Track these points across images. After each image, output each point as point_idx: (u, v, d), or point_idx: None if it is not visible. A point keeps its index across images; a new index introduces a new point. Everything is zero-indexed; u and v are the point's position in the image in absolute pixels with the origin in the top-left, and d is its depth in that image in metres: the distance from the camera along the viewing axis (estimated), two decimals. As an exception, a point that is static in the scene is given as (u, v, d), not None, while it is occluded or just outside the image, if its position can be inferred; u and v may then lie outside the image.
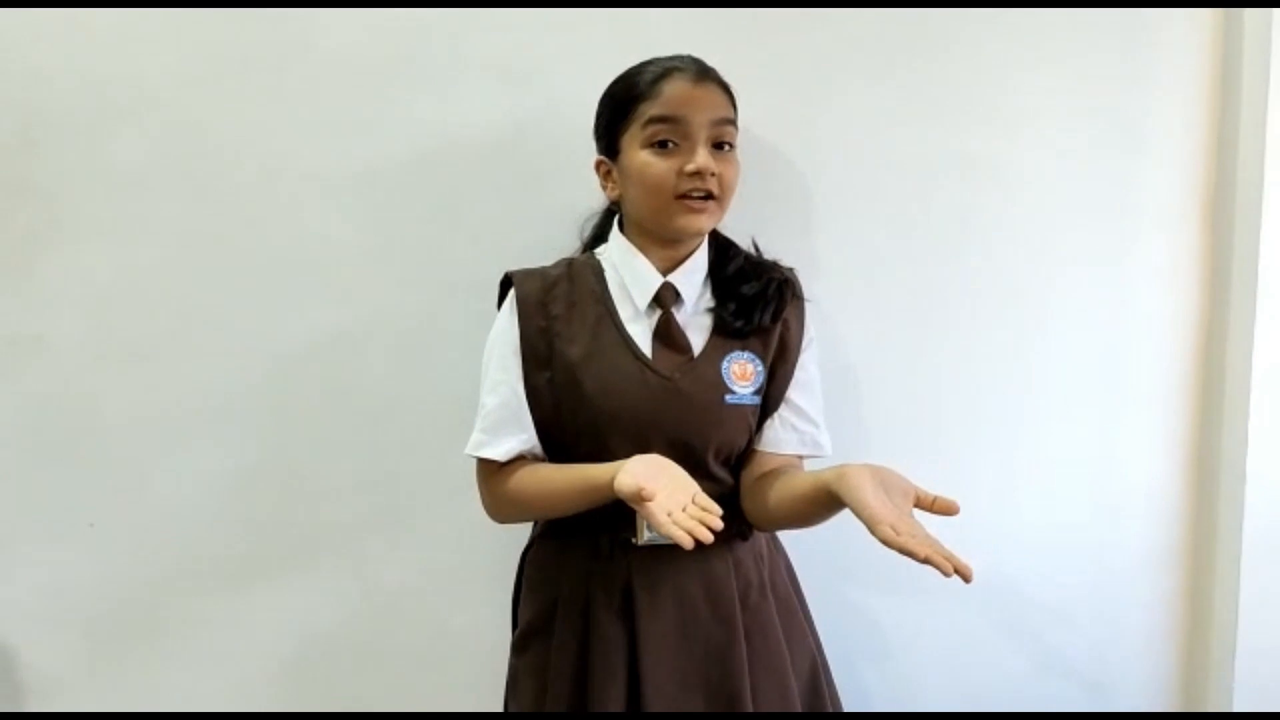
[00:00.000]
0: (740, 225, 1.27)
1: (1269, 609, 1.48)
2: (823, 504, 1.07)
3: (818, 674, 1.23)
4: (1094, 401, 1.51)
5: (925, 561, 0.92)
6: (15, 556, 1.43)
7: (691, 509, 0.98)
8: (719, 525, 0.97)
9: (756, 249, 1.28)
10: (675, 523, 0.96)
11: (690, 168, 1.11)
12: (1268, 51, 1.40)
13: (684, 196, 1.13)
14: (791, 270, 1.25)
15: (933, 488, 1.45)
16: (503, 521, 1.21)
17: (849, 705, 1.39)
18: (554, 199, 1.37)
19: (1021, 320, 1.49)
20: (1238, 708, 1.48)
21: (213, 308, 1.41)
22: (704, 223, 1.16)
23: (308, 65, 1.38)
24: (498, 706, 1.28)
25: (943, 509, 1.02)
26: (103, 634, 1.44)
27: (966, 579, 0.91)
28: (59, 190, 1.38)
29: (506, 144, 1.40)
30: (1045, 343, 1.49)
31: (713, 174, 1.12)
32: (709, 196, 1.13)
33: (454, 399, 1.35)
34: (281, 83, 1.38)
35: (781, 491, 1.14)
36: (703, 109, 1.12)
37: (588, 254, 1.25)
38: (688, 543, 0.94)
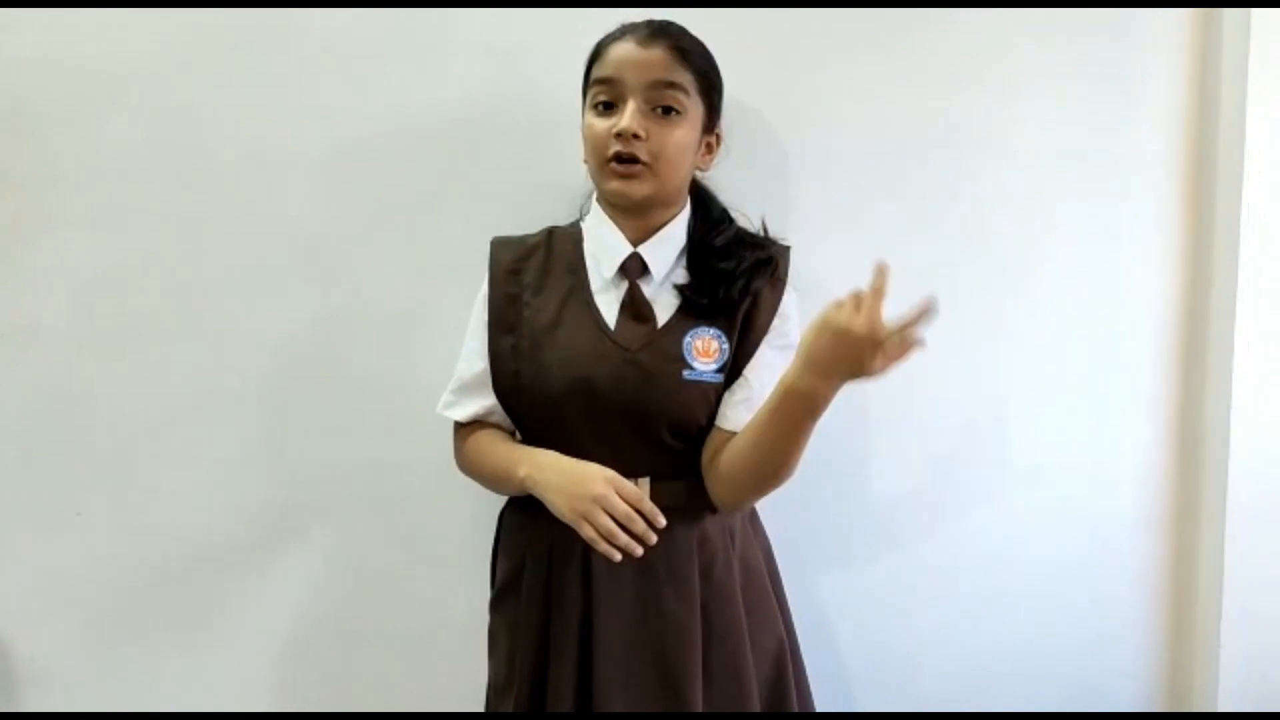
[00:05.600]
0: (726, 197, 1.27)
1: (1253, 574, 1.50)
2: (787, 407, 1.05)
3: (784, 657, 1.22)
4: (1080, 370, 1.52)
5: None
6: (6, 547, 1.42)
7: (636, 525, 1.07)
8: (652, 538, 1.08)
9: (765, 229, 1.26)
10: (616, 546, 1.06)
11: (615, 129, 1.10)
12: (1247, 34, 1.44)
13: (612, 160, 1.12)
14: (787, 250, 1.22)
15: (922, 460, 1.50)
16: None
17: (833, 684, 1.40)
18: (541, 177, 1.37)
19: (1008, 291, 1.50)
20: (1224, 672, 1.50)
21: (201, 294, 1.41)
22: (634, 189, 1.13)
23: (291, 48, 1.38)
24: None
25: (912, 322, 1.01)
26: (94, 623, 1.44)
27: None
28: (45, 179, 1.38)
29: (492, 122, 1.40)
30: (1032, 313, 1.51)
31: (637, 136, 1.10)
32: (636, 161, 1.11)
33: (441, 381, 1.36)
34: (266, 66, 1.38)
35: (742, 434, 1.12)
36: (640, 70, 1.11)
37: (572, 223, 1.25)
38: (628, 553, 1.07)
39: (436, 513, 1.45)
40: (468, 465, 1.25)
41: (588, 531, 1.07)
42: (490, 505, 1.31)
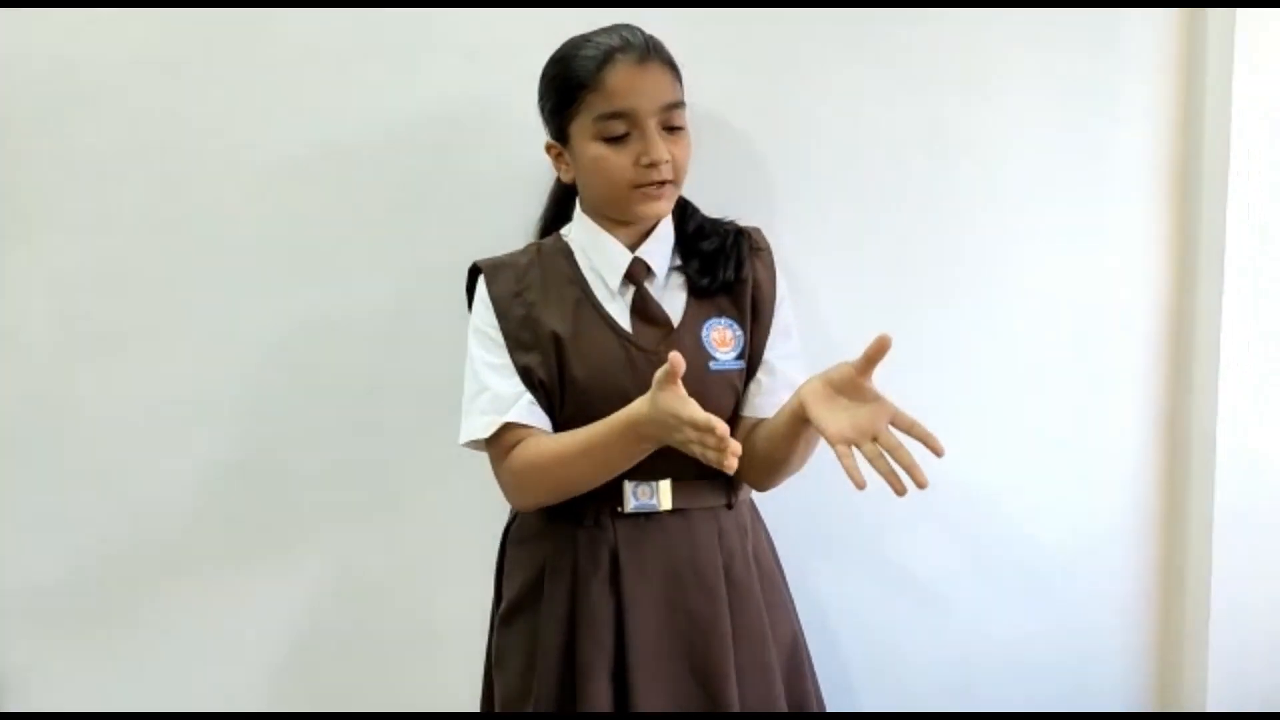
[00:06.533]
0: (713, 205, 1.27)
1: (1241, 574, 1.51)
2: (796, 432, 1.09)
3: (798, 646, 1.24)
4: (1067, 373, 1.53)
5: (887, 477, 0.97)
6: (-10, 555, 1.41)
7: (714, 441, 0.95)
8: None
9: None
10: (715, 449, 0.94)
11: (646, 160, 1.11)
12: (1231, 34, 1.45)
13: (641, 185, 1.12)
14: (757, 230, 1.25)
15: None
16: (527, 504, 1.17)
17: (829, 680, 1.40)
18: (525, 178, 1.36)
19: (994, 294, 1.50)
20: (1213, 671, 1.51)
21: (182, 298, 1.40)
22: (664, 208, 1.16)
23: (272, 49, 1.37)
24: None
25: (920, 437, 1.02)
26: (79, 633, 1.43)
27: (920, 485, 0.98)
28: (21, 182, 1.37)
29: (475, 124, 1.40)
30: (1018, 316, 1.51)
31: (667, 161, 1.12)
32: (665, 182, 1.13)
33: (430, 384, 1.36)
34: (246, 67, 1.37)
35: (763, 434, 1.15)
36: (651, 96, 1.11)
37: (553, 237, 1.25)
38: (732, 465, 0.94)
39: (428, 516, 1.44)
40: (544, 461, 1.11)
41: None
42: (488, 508, 1.30)
